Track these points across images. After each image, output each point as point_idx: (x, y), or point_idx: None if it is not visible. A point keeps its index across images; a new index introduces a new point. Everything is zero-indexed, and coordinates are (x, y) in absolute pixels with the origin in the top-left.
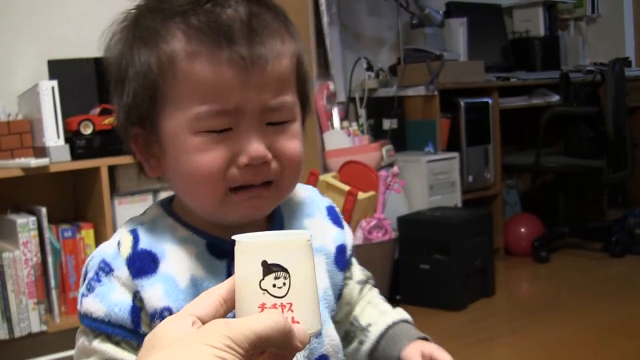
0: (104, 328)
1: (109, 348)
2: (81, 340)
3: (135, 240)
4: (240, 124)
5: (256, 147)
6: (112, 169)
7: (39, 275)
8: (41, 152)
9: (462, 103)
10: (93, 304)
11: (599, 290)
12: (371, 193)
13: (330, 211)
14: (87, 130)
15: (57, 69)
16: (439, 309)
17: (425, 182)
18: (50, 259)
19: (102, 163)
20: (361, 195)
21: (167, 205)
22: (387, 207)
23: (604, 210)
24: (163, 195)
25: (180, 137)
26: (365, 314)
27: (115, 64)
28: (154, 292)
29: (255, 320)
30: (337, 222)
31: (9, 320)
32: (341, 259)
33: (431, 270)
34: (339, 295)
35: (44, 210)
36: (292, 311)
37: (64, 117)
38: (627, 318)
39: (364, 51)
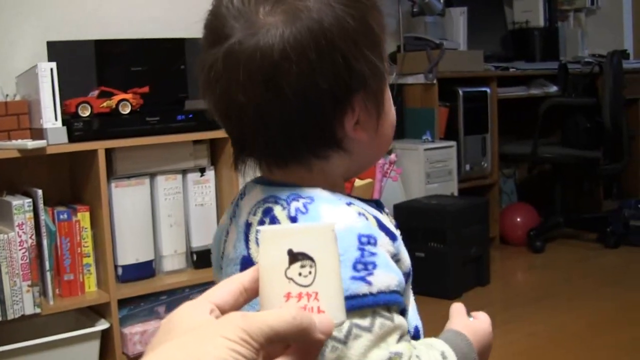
0: (397, 298)
1: (402, 320)
2: (378, 323)
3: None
4: None
5: None
6: (109, 152)
7: (34, 257)
8: (38, 133)
9: (460, 92)
10: (388, 276)
11: (593, 281)
12: (368, 180)
13: None
14: (85, 112)
15: (56, 50)
16: (433, 297)
17: (422, 170)
18: (45, 242)
19: (100, 146)
20: (358, 182)
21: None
22: (384, 195)
23: (599, 201)
24: (160, 179)
25: (386, 93)
26: None
27: (364, 30)
28: (404, 253)
29: (273, 315)
30: None
31: (2, 302)
32: None
33: (427, 258)
34: None
35: (40, 192)
36: (317, 300)
37: (62, 99)
38: (621, 308)
39: None
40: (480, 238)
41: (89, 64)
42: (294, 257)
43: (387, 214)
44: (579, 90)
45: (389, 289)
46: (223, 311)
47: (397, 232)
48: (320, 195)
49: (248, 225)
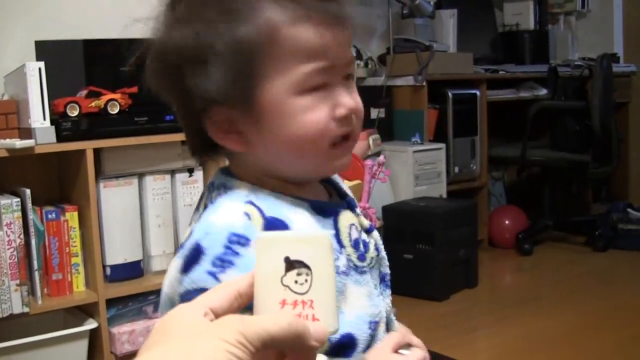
0: None
1: None
2: None
3: (259, 209)
4: (333, 79)
5: (349, 99)
6: (97, 152)
7: (22, 256)
8: (26, 133)
9: (450, 94)
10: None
11: (581, 284)
12: (357, 182)
13: None
14: (73, 112)
15: (45, 50)
16: (421, 299)
17: (411, 172)
18: (33, 241)
19: (88, 145)
20: (347, 183)
21: (236, 178)
22: (372, 196)
23: (588, 205)
24: (149, 179)
25: (284, 102)
26: None
27: (186, 47)
28: None
29: (270, 320)
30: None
31: None
32: None
33: (415, 260)
34: None
35: (28, 191)
36: (312, 308)
37: (51, 98)
38: (609, 312)
39: (353, 40)
40: (468, 240)
41: (77, 63)
42: (291, 264)
43: (358, 215)
44: (568, 93)
45: None
46: (217, 315)
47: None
48: (233, 188)
49: (197, 208)
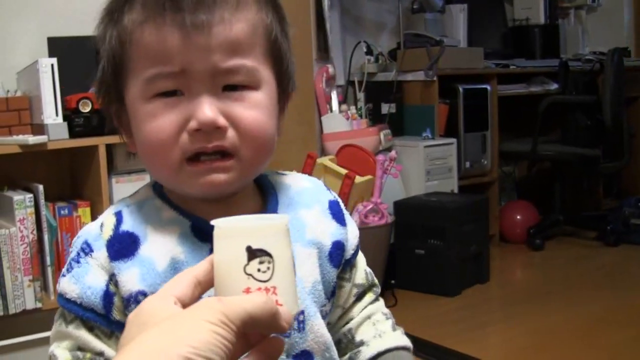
0: (76, 310)
1: (83, 334)
2: (58, 322)
3: (118, 221)
4: (191, 88)
5: (205, 111)
6: (109, 148)
7: (35, 252)
8: (39, 129)
9: (460, 89)
10: (69, 284)
11: (592, 279)
12: (368, 177)
13: (333, 205)
14: (85, 108)
15: (57, 46)
16: (433, 294)
17: (422, 167)
18: (46, 237)
19: (100, 141)
20: (358, 179)
21: (159, 186)
22: (384, 192)
23: (599, 199)
24: None
25: (136, 106)
26: (361, 330)
27: (96, 44)
28: (130, 276)
29: (247, 300)
30: (338, 218)
31: (4, 297)
32: (336, 256)
33: (426, 255)
34: (331, 293)
35: (41, 187)
36: (275, 294)
37: (63, 94)
38: (620, 307)
39: (364, 35)
40: (479, 235)
41: (89, 59)
42: (253, 253)
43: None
44: (579, 87)
45: (65, 294)
46: (184, 304)
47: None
48: (135, 194)
49: None
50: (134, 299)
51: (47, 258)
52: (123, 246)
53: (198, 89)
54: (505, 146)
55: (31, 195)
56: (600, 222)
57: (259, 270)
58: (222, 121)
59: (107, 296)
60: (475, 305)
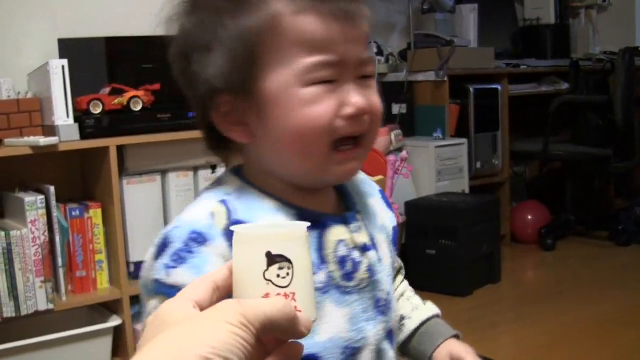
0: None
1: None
2: (154, 304)
3: (229, 211)
4: (343, 76)
5: (359, 98)
6: (120, 149)
7: (47, 254)
8: (50, 131)
9: (471, 89)
10: (188, 275)
11: (604, 279)
12: (379, 177)
13: (382, 194)
14: (96, 109)
15: (68, 47)
16: (444, 295)
17: (433, 167)
18: (57, 238)
19: (111, 143)
20: (370, 179)
21: (242, 177)
22: (395, 192)
23: (610, 199)
24: (172, 176)
25: (288, 93)
26: (399, 305)
27: (192, 34)
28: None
29: (266, 303)
30: (388, 205)
31: (16, 298)
32: (394, 239)
33: (438, 255)
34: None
35: (52, 189)
36: (295, 300)
37: (74, 96)
38: (632, 307)
39: (374, 36)
40: (491, 236)
41: (100, 61)
42: (273, 259)
43: (353, 232)
44: (590, 87)
45: (178, 285)
46: (202, 309)
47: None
48: (222, 185)
49: None
50: None
51: (59, 259)
52: None
53: (348, 78)
54: (516, 146)
55: (42, 196)
56: (611, 222)
57: (278, 275)
58: (369, 107)
59: None
60: (486, 306)
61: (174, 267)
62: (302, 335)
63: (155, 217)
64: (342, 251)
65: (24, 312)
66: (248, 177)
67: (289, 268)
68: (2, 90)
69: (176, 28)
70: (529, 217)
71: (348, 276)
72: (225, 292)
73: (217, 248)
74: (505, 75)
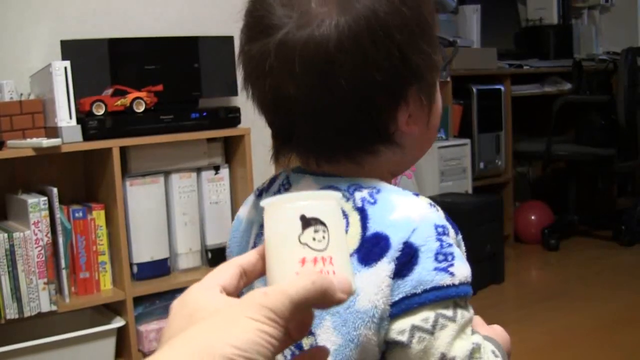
0: (471, 289)
1: (472, 311)
2: (460, 314)
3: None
4: None
5: None
6: (123, 150)
7: (50, 255)
8: (53, 132)
9: (474, 90)
10: (465, 267)
11: (607, 279)
12: None
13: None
14: (99, 111)
15: (70, 49)
16: None
17: (436, 168)
18: (60, 240)
19: (114, 144)
20: None
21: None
22: None
23: (614, 199)
24: (175, 177)
25: (436, 87)
26: None
27: (412, 22)
28: (463, 246)
29: (292, 285)
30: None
31: (19, 299)
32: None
33: None
34: None
35: (55, 190)
36: (332, 264)
37: (77, 97)
38: (636, 307)
39: None
40: (494, 236)
41: (103, 62)
42: (308, 222)
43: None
44: (593, 87)
45: (467, 280)
46: (228, 294)
47: None
48: (385, 186)
49: None
50: None
51: (62, 261)
52: (452, 222)
53: None
54: (520, 146)
55: (45, 198)
56: (615, 221)
57: (314, 239)
58: None
59: None
60: (490, 306)
61: (451, 265)
62: (342, 302)
63: (158, 218)
64: None
65: (27, 314)
66: (373, 177)
67: (324, 231)
68: (5, 92)
69: (385, 10)
70: (532, 217)
71: None
72: (252, 277)
73: (453, 237)
74: (508, 76)
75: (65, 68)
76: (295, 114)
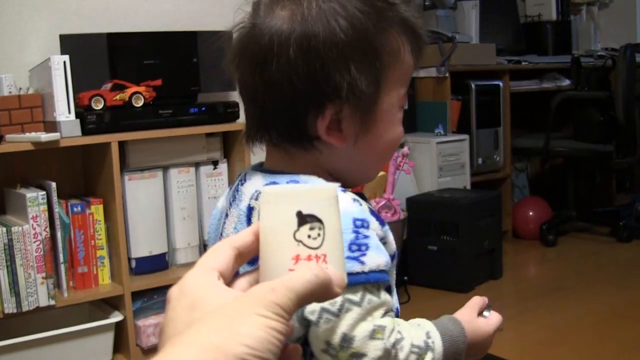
0: (385, 276)
1: (388, 297)
2: (367, 299)
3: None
4: None
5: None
6: (122, 145)
7: (48, 249)
8: (52, 126)
9: (473, 85)
10: (380, 257)
11: (605, 275)
12: (381, 173)
13: None
14: (98, 105)
15: (69, 43)
16: (446, 290)
17: (435, 163)
18: (59, 234)
19: (113, 139)
20: None
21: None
22: (396, 188)
23: (612, 195)
24: (173, 172)
25: (392, 112)
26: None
27: (353, 37)
28: (391, 237)
29: (297, 279)
30: None
31: (17, 294)
32: None
33: (439, 251)
34: None
35: (53, 185)
36: (325, 262)
37: (75, 92)
38: (633, 302)
39: None
40: (492, 231)
41: (101, 57)
42: (304, 219)
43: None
44: (591, 83)
45: (378, 268)
46: (224, 277)
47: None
48: (318, 181)
49: (250, 209)
50: (394, 256)
51: (60, 255)
52: (377, 215)
53: None
54: (518, 142)
55: (44, 192)
56: (613, 217)
57: (309, 236)
58: None
59: (392, 257)
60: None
61: (364, 255)
62: (336, 295)
63: (156, 212)
64: None
65: (25, 308)
66: (313, 174)
67: (320, 229)
68: (4, 86)
69: (321, 29)
70: (531, 213)
71: None
72: (247, 258)
73: (375, 229)
74: (507, 72)
75: (64, 62)
76: (245, 101)
